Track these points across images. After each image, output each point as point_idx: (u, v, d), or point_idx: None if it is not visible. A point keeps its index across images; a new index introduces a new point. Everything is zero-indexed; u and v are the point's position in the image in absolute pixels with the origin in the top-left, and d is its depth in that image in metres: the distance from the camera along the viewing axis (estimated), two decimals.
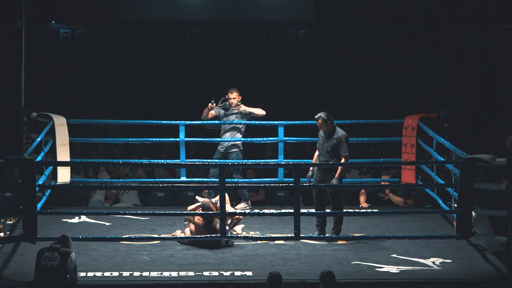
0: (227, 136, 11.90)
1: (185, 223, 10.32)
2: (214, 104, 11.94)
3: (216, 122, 12.27)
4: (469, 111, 15.89)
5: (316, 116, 10.42)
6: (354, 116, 13.53)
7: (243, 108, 11.89)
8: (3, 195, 12.26)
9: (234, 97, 11.94)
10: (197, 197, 10.97)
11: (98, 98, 16.15)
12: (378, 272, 8.98)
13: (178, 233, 10.33)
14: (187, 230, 10.19)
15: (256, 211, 9.92)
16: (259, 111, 11.96)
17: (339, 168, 10.20)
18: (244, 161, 12.03)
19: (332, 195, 10.37)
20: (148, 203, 13.25)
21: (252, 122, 12.15)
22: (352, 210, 11.75)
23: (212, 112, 11.98)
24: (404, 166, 12.22)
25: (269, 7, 15.99)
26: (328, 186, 10.13)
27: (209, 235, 9.73)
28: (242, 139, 11.94)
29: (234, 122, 11.84)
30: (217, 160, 11.81)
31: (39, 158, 10.92)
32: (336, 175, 10.22)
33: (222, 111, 11.95)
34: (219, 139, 11.99)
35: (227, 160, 11.78)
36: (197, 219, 10.00)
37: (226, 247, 9.92)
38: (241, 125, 11.93)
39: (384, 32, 16.26)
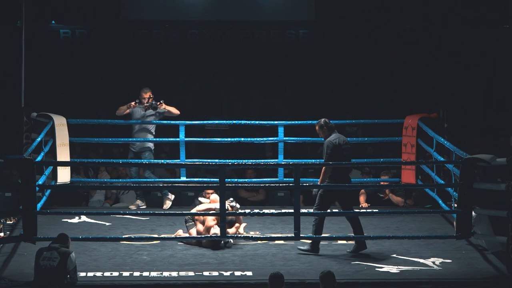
0: (141, 136, 12.29)
1: (190, 223, 10.27)
2: (137, 103, 12.26)
3: (216, 122, 12.31)
4: (469, 111, 15.87)
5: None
6: (354, 116, 13.51)
7: (164, 106, 12.26)
8: (3, 195, 12.24)
9: (148, 96, 12.32)
10: (200, 199, 10.96)
11: (98, 98, 16.12)
12: (378, 272, 8.98)
13: (180, 233, 10.32)
14: (193, 231, 10.16)
15: (256, 211, 9.92)
16: (175, 111, 12.39)
17: (321, 173, 9.87)
18: (243, 161, 12.03)
19: (318, 195, 9.95)
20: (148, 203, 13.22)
21: (252, 122, 12.21)
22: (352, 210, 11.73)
23: (128, 110, 12.34)
24: (404, 166, 12.21)
25: (269, 7, 15.95)
26: (327, 186, 10.05)
27: (209, 235, 9.73)
28: (154, 139, 12.34)
29: (152, 122, 12.26)
30: (131, 160, 12.24)
31: (39, 158, 10.92)
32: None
33: (141, 111, 12.27)
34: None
35: (142, 160, 12.22)
36: (213, 219, 9.97)
37: (225, 247, 9.93)
38: (152, 126, 12.32)
39: (384, 32, 16.24)
